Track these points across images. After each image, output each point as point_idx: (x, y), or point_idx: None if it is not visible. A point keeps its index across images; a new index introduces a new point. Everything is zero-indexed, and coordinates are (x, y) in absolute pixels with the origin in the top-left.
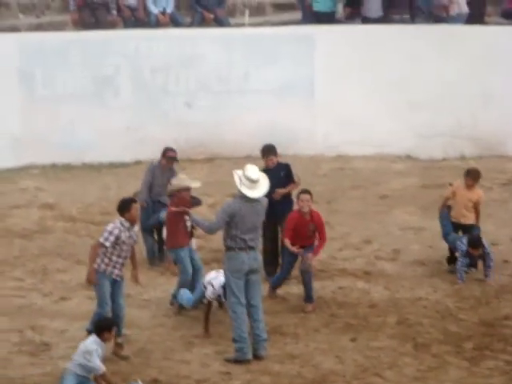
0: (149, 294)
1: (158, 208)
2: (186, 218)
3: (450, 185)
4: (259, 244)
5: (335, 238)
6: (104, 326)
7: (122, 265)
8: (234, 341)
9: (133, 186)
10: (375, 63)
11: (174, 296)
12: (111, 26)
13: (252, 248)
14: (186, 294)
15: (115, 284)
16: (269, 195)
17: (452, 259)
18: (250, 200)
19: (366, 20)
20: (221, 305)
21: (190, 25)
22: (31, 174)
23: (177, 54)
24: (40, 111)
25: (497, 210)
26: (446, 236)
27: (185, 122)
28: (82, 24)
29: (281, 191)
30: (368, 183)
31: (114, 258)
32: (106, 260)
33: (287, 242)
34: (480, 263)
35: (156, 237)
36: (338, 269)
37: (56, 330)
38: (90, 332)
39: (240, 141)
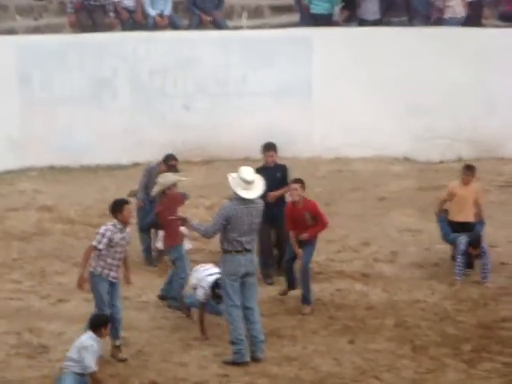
0: (147, 296)
1: (154, 208)
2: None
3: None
4: (255, 246)
5: (333, 240)
6: (100, 322)
7: (118, 266)
8: (232, 343)
9: (131, 188)
10: (373, 65)
11: (174, 298)
12: (109, 28)
13: (249, 250)
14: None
15: (112, 286)
16: (263, 196)
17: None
18: (245, 202)
19: (364, 22)
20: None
21: (188, 27)
22: (29, 176)
23: (175, 57)
24: (38, 113)
25: (495, 212)
26: (445, 236)
27: (182, 125)
28: (80, 26)
29: (274, 194)
30: (366, 185)
31: (109, 261)
32: (102, 263)
33: (291, 237)
34: (476, 263)
35: (152, 236)
36: (336, 271)
37: (54, 333)
38: None
39: (238, 143)
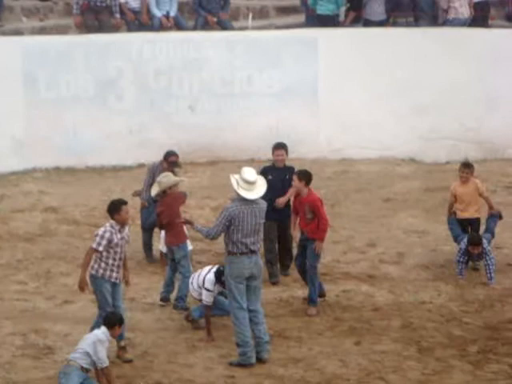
0: (152, 297)
1: None
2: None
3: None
4: (260, 247)
5: (339, 241)
6: (116, 321)
7: (119, 267)
8: (238, 345)
9: (136, 187)
10: (379, 66)
11: (182, 298)
12: (114, 29)
13: (253, 252)
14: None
15: (113, 287)
16: (271, 196)
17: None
18: (248, 202)
19: (369, 23)
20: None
21: (194, 28)
22: (34, 177)
23: (180, 58)
24: (43, 114)
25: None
26: (456, 238)
27: (188, 125)
28: (86, 27)
29: (282, 200)
30: (372, 186)
31: (110, 262)
32: (103, 265)
33: (292, 220)
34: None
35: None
36: (341, 272)
37: (59, 334)
38: None
39: (243, 144)
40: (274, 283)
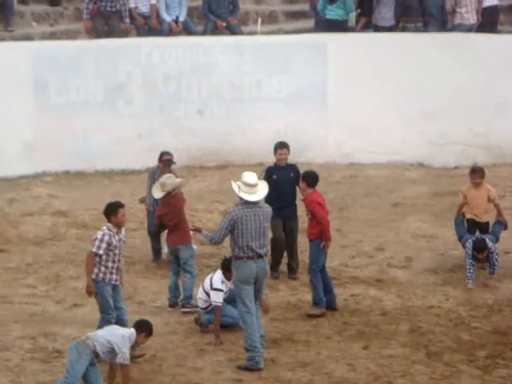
0: (161, 301)
1: None
2: None
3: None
4: (267, 251)
5: (347, 245)
6: (147, 328)
7: (118, 269)
8: (246, 350)
9: (144, 193)
10: (388, 71)
11: (189, 297)
12: (124, 34)
13: (260, 256)
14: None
15: (114, 289)
16: (278, 195)
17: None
18: (251, 206)
19: (378, 29)
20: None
21: (203, 33)
22: (44, 181)
23: (189, 62)
24: (53, 119)
25: (510, 218)
26: (460, 238)
27: (197, 130)
28: (96, 32)
29: None
30: (380, 191)
31: (110, 264)
32: (103, 268)
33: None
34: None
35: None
36: (350, 276)
37: (68, 337)
38: None
39: (252, 148)
40: (276, 277)
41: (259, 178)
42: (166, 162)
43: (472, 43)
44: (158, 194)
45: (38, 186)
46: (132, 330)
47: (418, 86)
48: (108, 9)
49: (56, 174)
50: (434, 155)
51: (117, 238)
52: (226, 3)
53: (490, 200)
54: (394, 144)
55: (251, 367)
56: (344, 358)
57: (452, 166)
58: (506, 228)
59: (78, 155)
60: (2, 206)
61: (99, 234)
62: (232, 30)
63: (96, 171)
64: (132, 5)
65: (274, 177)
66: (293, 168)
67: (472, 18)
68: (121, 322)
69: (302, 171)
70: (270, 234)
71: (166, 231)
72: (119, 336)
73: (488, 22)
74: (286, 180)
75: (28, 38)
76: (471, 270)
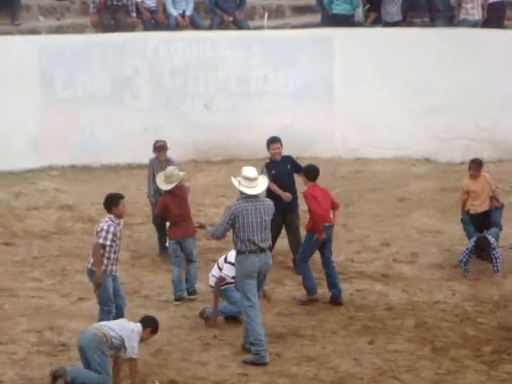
0: (166, 295)
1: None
2: None
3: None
4: (270, 245)
5: (353, 240)
6: (153, 324)
7: (117, 259)
8: (251, 344)
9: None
10: (394, 66)
11: (193, 284)
12: (131, 28)
13: (263, 250)
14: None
15: (114, 280)
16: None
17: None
18: (252, 200)
19: (385, 24)
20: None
21: (209, 27)
22: (50, 175)
23: (196, 57)
24: (60, 113)
25: None
26: (470, 238)
27: (203, 124)
28: (102, 26)
29: (287, 195)
30: (387, 186)
31: (112, 256)
32: (105, 260)
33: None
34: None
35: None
36: (355, 271)
37: (74, 331)
38: None
39: (258, 143)
40: None
41: (259, 174)
42: (158, 147)
43: (478, 38)
44: (165, 186)
45: (45, 179)
46: (139, 325)
47: (425, 81)
48: (115, 3)
49: (62, 168)
50: (440, 150)
51: (118, 228)
52: None
53: (490, 188)
54: (400, 139)
55: (257, 361)
56: (349, 352)
57: (458, 161)
58: (502, 207)
59: (85, 149)
60: (9, 199)
61: (105, 225)
62: (238, 25)
63: (102, 165)
64: None
65: (273, 172)
66: (288, 159)
67: (477, 14)
68: (120, 308)
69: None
70: None
71: (168, 225)
72: (129, 330)
73: (494, 17)
74: (285, 173)
75: (35, 31)
76: (467, 267)
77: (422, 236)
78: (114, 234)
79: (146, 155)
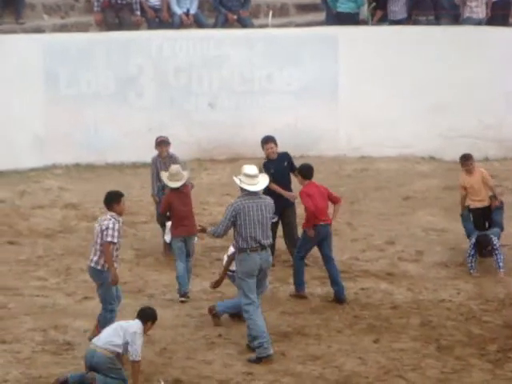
0: (172, 294)
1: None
2: None
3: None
4: (270, 242)
5: (358, 238)
6: (152, 316)
7: (118, 257)
8: (253, 338)
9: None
10: (399, 64)
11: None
12: (135, 26)
13: (264, 248)
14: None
15: None
16: (273, 191)
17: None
18: (253, 197)
19: (390, 22)
20: None
21: (214, 26)
22: (55, 173)
23: (200, 55)
24: (64, 111)
25: None
26: (469, 235)
27: (207, 123)
28: (106, 25)
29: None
30: (391, 184)
31: (115, 253)
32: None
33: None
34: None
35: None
36: (360, 270)
37: (79, 330)
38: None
39: None
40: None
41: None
42: (160, 142)
43: (483, 36)
44: (173, 183)
45: (49, 178)
46: (139, 324)
47: (429, 78)
48: (119, 1)
49: (66, 166)
50: (444, 148)
51: (120, 225)
52: None
53: (484, 181)
54: (404, 137)
55: (260, 355)
56: (354, 351)
57: None
58: (502, 206)
59: (89, 148)
60: (13, 198)
61: (110, 223)
62: (243, 23)
63: (106, 164)
64: None
65: (272, 171)
66: (285, 156)
67: (482, 12)
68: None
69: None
70: None
71: (171, 223)
72: (132, 333)
73: (499, 15)
74: (282, 170)
75: (39, 30)
76: (472, 265)
77: (427, 234)
78: (119, 232)
79: (150, 154)
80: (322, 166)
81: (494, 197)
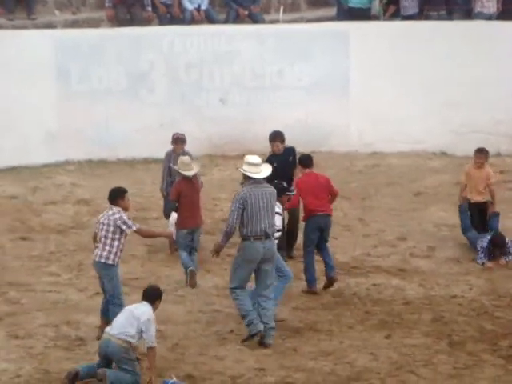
0: (184, 289)
1: None
2: None
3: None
4: (275, 231)
5: (370, 234)
6: (158, 295)
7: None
8: (242, 317)
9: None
10: (410, 59)
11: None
12: (146, 22)
13: (268, 236)
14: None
15: None
16: (280, 180)
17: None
18: (258, 186)
19: (402, 17)
20: None
21: (225, 21)
22: (67, 169)
23: (211, 51)
24: (75, 107)
25: None
26: (464, 231)
27: (219, 118)
28: (118, 20)
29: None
30: (403, 180)
31: (121, 247)
32: (119, 253)
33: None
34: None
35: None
36: (372, 266)
37: (91, 325)
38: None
39: None
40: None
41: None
42: (176, 139)
43: (495, 31)
44: (188, 172)
45: (61, 174)
46: (150, 309)
47: (441, 74)
48: None
49: (78, 162)
50: (456, 144)
51: None
52: None
53: (488, 182)
54: (416, 133)
55: (252, 332)
56: (366, 347)
57: None
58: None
59: (101, 143)
60: (25, 194)
61: (122, 215)
62: (254, 19)
63: (118, 159)
64: None
65: (275, 165)
66: (291, 151)
67: (492, 7)
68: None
69: (325, 161)
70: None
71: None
72: (145, 321)
73: (510, 9)
74: (284, 165)
75: (50, 26)
76: (483, 256)
77: (439, 230)
78: None
79: (162, 149)
80: (333, 162)
81: (491, 204)
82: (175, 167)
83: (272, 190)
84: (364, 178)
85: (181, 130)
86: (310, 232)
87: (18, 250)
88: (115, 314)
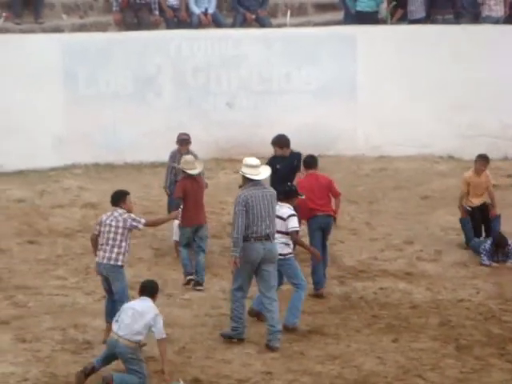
0: (190, 293)
1: None
2: None
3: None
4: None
5: (377, 238)
6: (156, 288)
7: None
8: (231, 319)
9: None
10: (417, 63)
11: (201, 272)
12: (153, 26)
13: (268, 238)
14: None
15: None
16: (282, 183)
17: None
18: (258, 187)
19: (410, 21)
20: None
21: (232, 25)
22: (74, 173)
23: (218, 55)
24: (83, 111)
25: None
26: (468, 241)
27: (226, 122)
28: (125, 24)
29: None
30: (410, 184)
31: (128, 248)
32: (127, 254)
33: None
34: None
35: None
36: (379, 269)
37: (98, 329)
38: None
39: None
40: None
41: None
42: (181, 140)
43: (502, 34)
44: (193, 170)
45: (68, 178)
46: (152, 304)
47: (448, 78)
48: (138, 1)
49: (86, 166)
50: (463, 147)
51: None
52: None
53: (486, 183)
54: (423, 136)
55: (233, 337)
56: (373, 351)
57: None
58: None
59: (108, 147)
60: (33, 197)
61: (131, 215)
62: (261, 23)
63: (125, 163)
64: None
65: (278, 166)
66: (297, 156)
67: (500, 11)
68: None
69: (332, 164)
70: None
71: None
72: (152, 318)
73: None
74: (288, 169)
75: (58, 30)
76: (487, 257)
77: (446, 234)
78: None
79: (169, 153)
80: (340, 166)
81: (492, 206)
82: (179, 166)
83: (272, 191)
84: (371, 181)
85: (188, 133)
86: (313, 232)
87: (26, 254)
88: (115, 313)
